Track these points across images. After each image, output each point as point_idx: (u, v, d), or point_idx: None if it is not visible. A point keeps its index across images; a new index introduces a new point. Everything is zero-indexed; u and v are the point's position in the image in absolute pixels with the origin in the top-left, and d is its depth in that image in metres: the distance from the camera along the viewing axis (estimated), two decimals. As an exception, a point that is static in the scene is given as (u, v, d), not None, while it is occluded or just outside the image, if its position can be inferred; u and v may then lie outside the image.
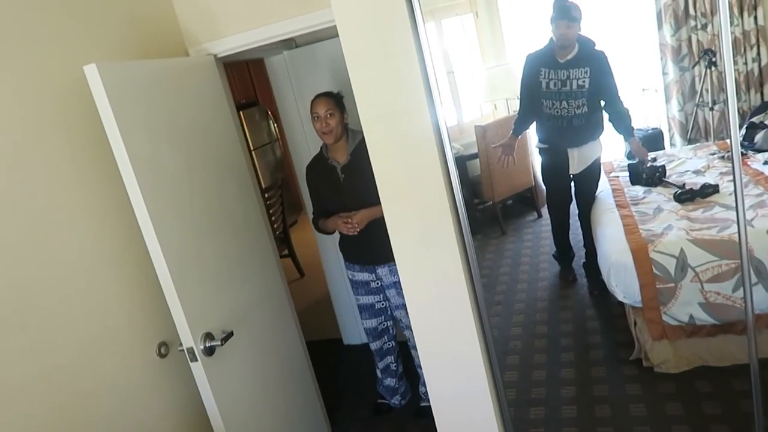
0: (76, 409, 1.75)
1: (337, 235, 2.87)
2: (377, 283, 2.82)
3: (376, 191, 2.47)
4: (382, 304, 2.89)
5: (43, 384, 1.66)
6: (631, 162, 3.61)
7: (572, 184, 3.48)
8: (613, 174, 4.04)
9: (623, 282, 2.79)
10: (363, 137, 2.52)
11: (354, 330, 3.93)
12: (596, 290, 3.41)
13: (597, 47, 3.15)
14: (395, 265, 2.68)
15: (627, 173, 4.01)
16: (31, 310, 1.66)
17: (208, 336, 2.03)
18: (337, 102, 2.56)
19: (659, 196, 3.36)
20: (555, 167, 3.43)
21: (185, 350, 1.98)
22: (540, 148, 3.45)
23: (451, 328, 2.05)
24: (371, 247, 2.70)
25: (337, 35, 1.81)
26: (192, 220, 2.10)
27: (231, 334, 2.11)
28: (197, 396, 2.05)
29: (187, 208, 2.08)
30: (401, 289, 2.71)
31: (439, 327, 2.07)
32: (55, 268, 1.76)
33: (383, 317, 2.93)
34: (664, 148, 4.74)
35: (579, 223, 3.57)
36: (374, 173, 1.93)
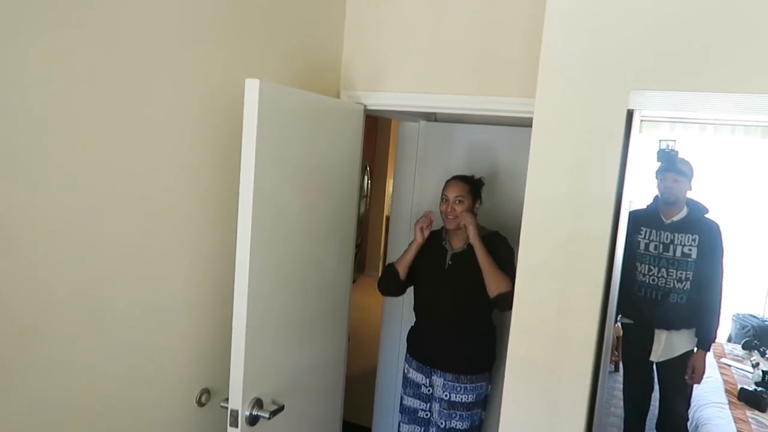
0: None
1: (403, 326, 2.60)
2: (428, 390, 2.50)
3: (478, 290, 2.30)
4: (426, 414, 2.54)
5: (78, 395, 1.43)
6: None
7: (654, 373, 2.88)
8: (723, 360, 3.57)
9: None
10: (487, 236, 2.37)
11: (391, 425, 3.55)
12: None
13: (709, 216, 2.73)
14: (453, 382, 2.41)
15: (740, 363, 3.54)
16: (101, 312, 1.45)
17: (257, 403, 1.76)
18: (471, 189, 2.38)
19: (782, 411, 2.88)
20: (635, 349, 2.89)
21: (228, 411, 1.72)
22: (622, 324, 2.88)
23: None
24: (438, 348, 2.41)
25: (485, 123, 1.59)
26: (290, 269, 1.89)
27: (281, 409, 1.83)
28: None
29: (289, 254, 1.88)
30: (449, 410, 2.40)
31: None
32: (139, 277, 1.56)
33: (423, 428, 2.57)
34: (781, 349, 4.22)
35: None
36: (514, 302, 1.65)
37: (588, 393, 1.60)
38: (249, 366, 1.70)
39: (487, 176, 2.98)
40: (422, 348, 2.49)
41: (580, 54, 1.52)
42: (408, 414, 2.57)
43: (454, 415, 2.39)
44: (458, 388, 2.38)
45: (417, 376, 2.51)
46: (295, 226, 1.90)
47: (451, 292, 2.36)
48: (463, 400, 2.38)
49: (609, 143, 1.48)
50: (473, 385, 2.38)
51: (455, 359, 2.39)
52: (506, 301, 2.10)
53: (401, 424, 2.62)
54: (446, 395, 2.40)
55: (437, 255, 2.43)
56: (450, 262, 2.39)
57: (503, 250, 2.34)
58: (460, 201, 2.32)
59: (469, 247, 2.35)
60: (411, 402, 2.55)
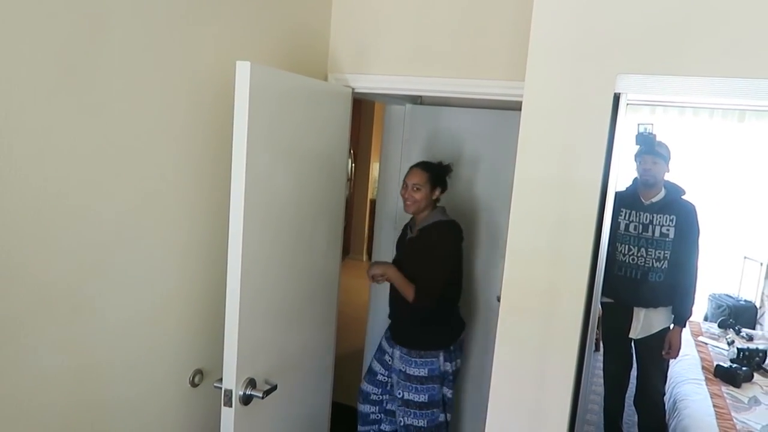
0: (92, 415, 1.52)
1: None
2: (390, 360, 2.64)
3: (421, 276, 2.39)
4: (384, 378, 2.70)
5: (73, 378, 1.44)
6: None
7: (633, 350, 3.02)
8: (700, 339, 3.68)
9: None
10: (430, 226, 2.43)
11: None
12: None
13: (685, 197, 2.81)
14: (407, 356, 2.48)
15: (716, 341, 3.66)
16: (94, 295, 1.46)
17: (251, 383, 1.79)
18: (433, 177, 2.43)
19: (755, 386, 2.98)
20: (614, 327, 3.01)
21: (222, 391, 1.74)
22: (602, 303, 2.93)
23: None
24: (395, 324, 2.61)
25: (471, 106, 1.62)
26: (282, 249, 1.91)
27: (274, 388, 1.85)
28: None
29: (281, 235, 1.89)
30: (406, 383, 2.48)
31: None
32: (132, 260, 1.57)
33: (380, 390, 2.72)
34: (754, 327, 4.36)
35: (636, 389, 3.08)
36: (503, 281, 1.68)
37: (574, 368, 1.66)
38: (242, 346, 1.72)
39: (473, 159, 3.01)
40: (390, 322, 2.67)
41: (568, 37, 1.54)
42: (371, 373, 2.74)
43: (410, 388, 2.48)
44: (411, 362, 2.48)
45: (385, 344, 2.68)
46: (287, 209, 1.91)
47: (409, 272, 2.45)
48: (416, 374, 2.46)
49: (596, 126, 1.52)
50: (423, 360, 2.46)
51: (406, 335, 2.52)
52: (420, 304, 2.35)
53: (363, 382, 2.78)
54: (402, 367, 2.50)
55: (402, 239, 2.62)
56: (407, 247, 2.53)
57: (435, 246, 2.39)
58: (417, 189, 2.39)
59: (420, 233, 2.45)
60: (375, 365, 2.72)
